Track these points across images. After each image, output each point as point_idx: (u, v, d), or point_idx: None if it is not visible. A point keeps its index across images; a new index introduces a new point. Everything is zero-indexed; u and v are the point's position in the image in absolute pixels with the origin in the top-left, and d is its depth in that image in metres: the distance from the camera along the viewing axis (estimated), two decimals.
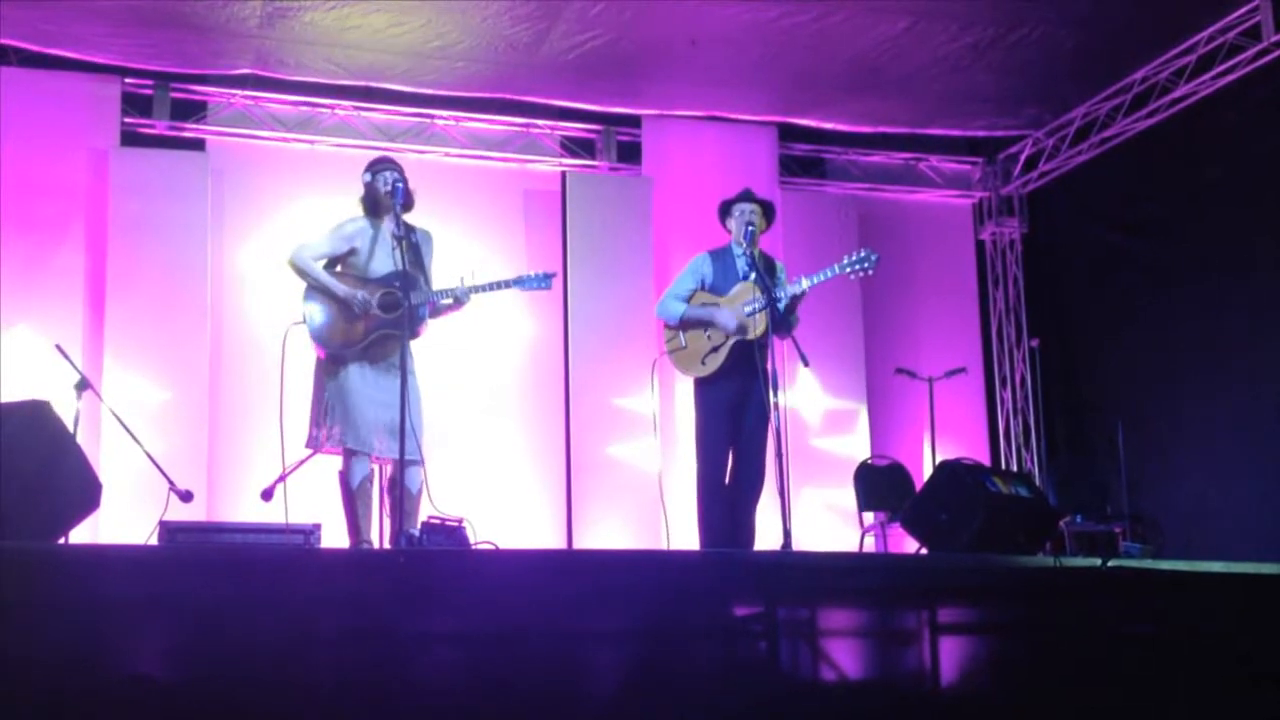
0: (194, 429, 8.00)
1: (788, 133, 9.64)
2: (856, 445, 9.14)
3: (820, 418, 9.21)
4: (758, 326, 6.10)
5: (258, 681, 3.75)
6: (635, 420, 8.48)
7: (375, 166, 6.19)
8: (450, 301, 6.02)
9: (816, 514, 8.82)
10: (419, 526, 5.30)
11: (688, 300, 6.40)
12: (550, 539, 8.52)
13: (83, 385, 5.97)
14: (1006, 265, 10.26)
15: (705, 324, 6.29)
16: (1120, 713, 4.59)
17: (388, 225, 6.05)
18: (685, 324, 6.35)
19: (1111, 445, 8.38)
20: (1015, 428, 10.01)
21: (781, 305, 6.04)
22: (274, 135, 8.86)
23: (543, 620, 4.09)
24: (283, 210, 8.41)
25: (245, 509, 7.14)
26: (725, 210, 6.53)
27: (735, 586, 4.52)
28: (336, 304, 5.96)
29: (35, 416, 4.70)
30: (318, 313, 5.97)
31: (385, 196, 6.02)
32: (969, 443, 9.36)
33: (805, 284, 6.14)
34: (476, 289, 5.99)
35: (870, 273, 6.21)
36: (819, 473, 8.96)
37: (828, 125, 9.55)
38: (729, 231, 6.50)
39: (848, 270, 6.19)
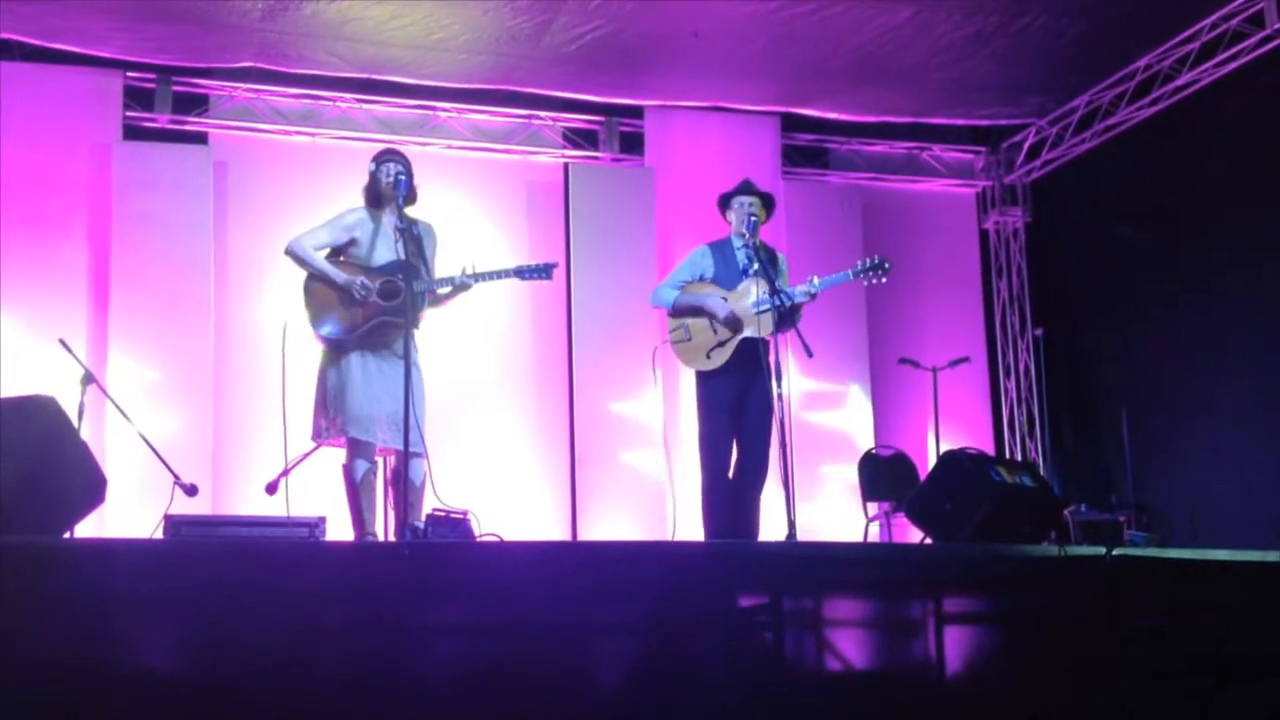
0: (198, 423, 8.00)
1: (790, 123, 9.63)
2: (860, 435, 9.13)
3: (823, 410, 9.20)
4: (764, 326, 6.11)
5: (264, 674, 3.76)
6: (639, 411, 8.48)
7: (381, 158, 6.19)
8: (448, 290, 6.02)
9: (819, 509, 8.81)
10: (423, 519, 5.31)
11: (681, 291, 6.43)
12: (555, 531, 8.53)
13: (87, 379, 5.97)
14: (1010, 254, 10.25)
15: (697, 310, 6.30)
16: (1126, 701, 4.59)
17: (389, 217, 6.05)
18: (678, 311, 6.37)
19: (1116, 434, 8.39)
20: (1019, 417, 10.01)
21: (788, 304, 6.04)
22: (276, 128, 8.84)
23: (548, 612, 4.10)
24: (285, 203, 8.37)
25: (250, 503, 7.15)
26: (725, 202, 6.55)
27: (740, 578, 4.53)
28: (336, 292, 5.96)
29: (39, 411, 4.70)
30: (318, 302, 5.97)
31: (388, 188, 6.03)
32: (973, 432, 9.36)
33: (817, 283, 6.16)
34: (477, 277, 5.99)
35: (883, 281, 6.24)
36: (821, 467, 8.96)
37: (830, 115, 9.52)
38: (729, 223, 6.51)
39: (860, 276, 6.22)
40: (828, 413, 9.20)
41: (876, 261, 6.22)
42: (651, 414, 8.58)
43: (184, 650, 3.86)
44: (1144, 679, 4.62)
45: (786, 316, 6.03)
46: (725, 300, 6.28)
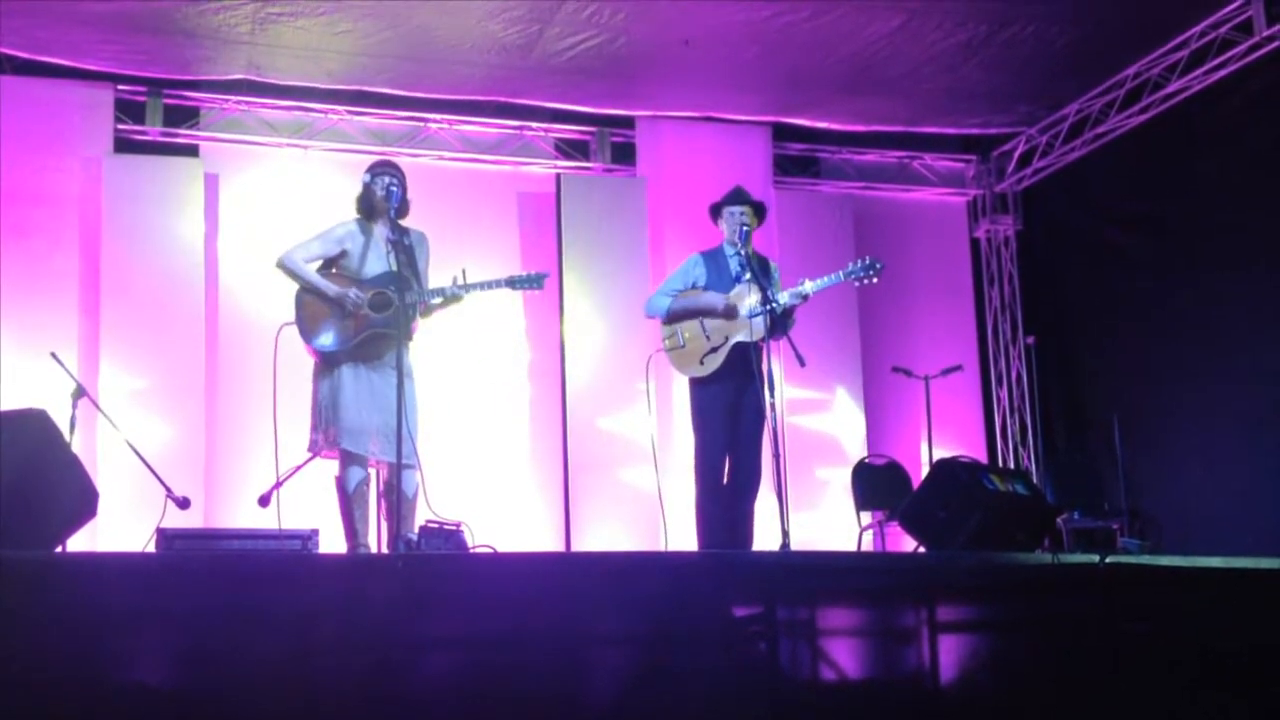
0: (190, 435, 7.99)
1: (782, 132, 9.64)
2: (853, 444, 9.14)
3: (816, 416, 9.20)
4: (756, 332, 6.11)
5: (257, 688, 3.75)
6: (632, 421, 8.47)
7: (375, 169, 6.19)
8: (440, 301, 6.03)
9: (812, 518, 8.82)
10: (417, 530, 5.30)
11: (674, 298, 6.43)
12: (549, 541, 8.52)
13: (79, 393, 5.96)
14: (1001, 263, 10.26)
15: (694, 312, 6.31)
16: (1120, 708, 4.59)
17: (381, 229, 6.06)
18: (674, 317, 6.38)
19: (1108, 441, 8.39)
20: (1012, 425, 10.02)
21: (779, 309, 6.04)
22: (267, 140, 8.84)
23: (542, 623, 4.09)
24: (276, 215, 8.39)
25: (243, 515, 7.13)
26: (716, 211, 6.56)
27: (734, 587, 4.52)
28: (328, 305, 5.96)
29: (31, 425, 4.69)
30: (309, 314, 5.97)
31: (380, 201, 6.03)
32: (966, 441, 9.37)
33: (809, 287, 6.15)
34: (469, 288, 5.99)
35: (875, 281, 6.22)
36: (817, 468, 8.96)
37: (822, 124, 9.54)
38: (722, 232, 6.52)
39: (852, 277, 6.21)
40: (821, 420, 9.21)
41: (868, 263, 6.21)
42: (644, 424, 8.56)
43: (177, 664, 3.85)
44: (1138, 686, 4.62)
45: (779, 324, 6.03)
46: (715, 294, 6.29)
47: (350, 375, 5.91)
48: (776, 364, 8.63)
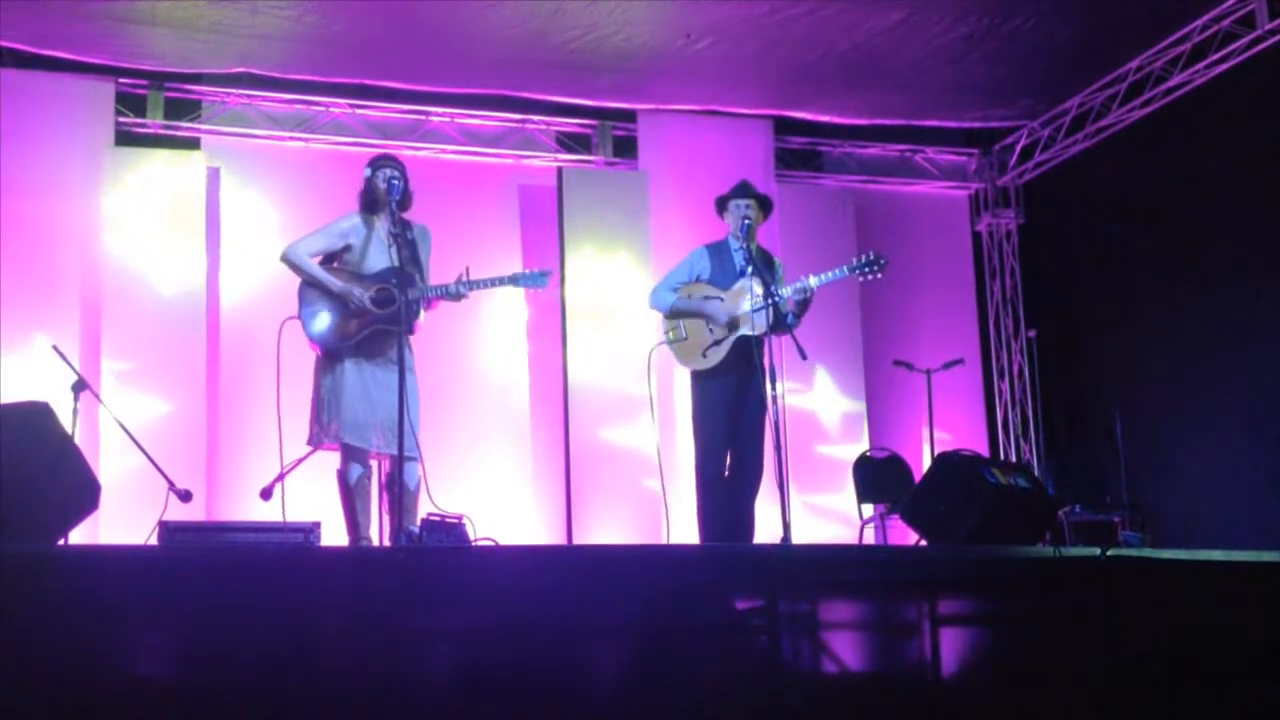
0: (192, 428, 7.99)
1: (783, 126, 9.64)
2: (855, 438, 9.14)
3: (818, 410, 9.20)
4: (758, 325, 6.11)
5: (259, 680, 3.75)
6: (633, 415, 8.47)
7: (376, 163, 6.19)
8: (441, 294, 6.03)
9: (815, 507, 8.83)
10: (418, 523, 5.30)
11: (678, 291, 6.43)
12: (550, 535, 8.53)
13: (80, 386, 5.96)
14: (1003, 256, 10.26)
15: (697, 316, 6.31)
16: (1121, 702, 4.59)
17: (383, 223, 6.06)
18: (677, 314, 6.37)
19: (1110, 435, 8.40)
20: (1013, 419, 10.02)
21: (783, 304, 6.04)
22: (269, 134, 8.84)
23: (543, 616, 4.09)
24: (278, 209, 8.40)
25: (244, 508, 7.14)
26: (722, 204, 6.55)
27: (735, 580, 4.52)
28: (331, 299, 5.96)
29: (33, 418, 4.69)
30: (313, 309, 5.98)
31: (383, 193, 6.02)
32: (967, 434, 9.37)
33: (813, 282, 6.15)
34: (473, 285, 6.00)
35: (879, 276, 6.21)
36: (818, 466, 8.96)
37: (823, 118, 9.54)
38: (727, 224, 6.52)
39: (856, 272, 6.21)
40: (820, 415, 9.21)
41: (872, 257, 6.21)
42: (646, 417, 8.56)
43: (179, 657, 3.85)
44: (1139, 679, 4.62)
45: (782, 320, 6.03)
46: (722, 301, 6.28)
47: (353, 370, 5.91)
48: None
